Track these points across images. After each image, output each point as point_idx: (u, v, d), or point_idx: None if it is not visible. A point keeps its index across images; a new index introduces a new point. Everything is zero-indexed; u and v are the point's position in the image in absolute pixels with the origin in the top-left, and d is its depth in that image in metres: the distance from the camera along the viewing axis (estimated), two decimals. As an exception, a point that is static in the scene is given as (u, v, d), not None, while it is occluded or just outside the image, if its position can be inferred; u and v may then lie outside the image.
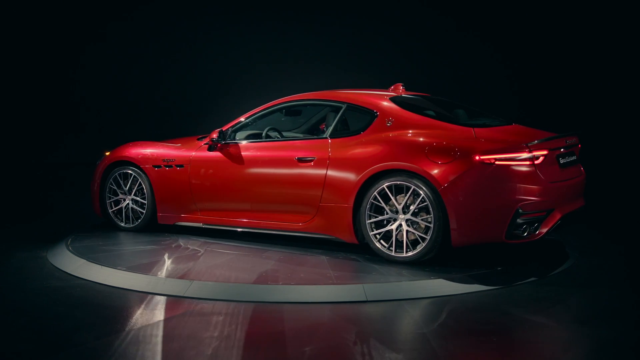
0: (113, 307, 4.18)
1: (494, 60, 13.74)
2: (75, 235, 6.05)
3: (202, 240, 5.85)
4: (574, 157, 5.32)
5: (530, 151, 4.76)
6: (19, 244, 5.97)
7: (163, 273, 4.80)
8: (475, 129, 5.04)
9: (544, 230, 4.86)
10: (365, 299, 4.29)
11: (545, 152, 4.85)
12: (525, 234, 4.80)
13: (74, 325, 3.86)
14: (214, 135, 5.77)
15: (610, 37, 13.23)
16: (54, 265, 5.23)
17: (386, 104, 5.35)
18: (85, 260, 5.09)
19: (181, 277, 4.63)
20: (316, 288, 4.41)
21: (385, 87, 6.11)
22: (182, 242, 5.79)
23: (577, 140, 5.36)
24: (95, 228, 6.44)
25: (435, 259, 4.98)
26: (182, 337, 3.64)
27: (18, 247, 5.84)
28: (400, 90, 5.86)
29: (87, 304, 4.26)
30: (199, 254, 5.34)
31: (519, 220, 4.72)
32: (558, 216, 4.90)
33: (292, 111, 6.18)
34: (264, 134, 5.94)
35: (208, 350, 3.47)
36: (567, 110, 13.43)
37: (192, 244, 5.70)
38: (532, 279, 4.79)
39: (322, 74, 13.24)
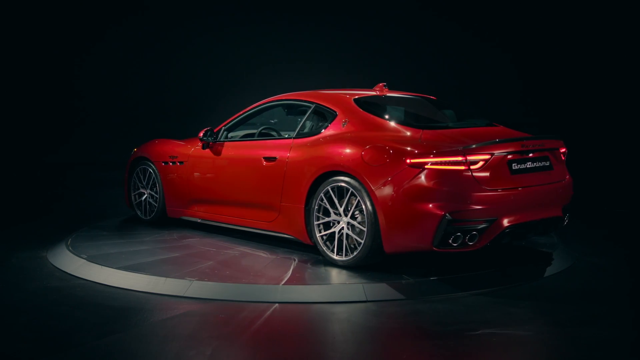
0: (113, 307, 4.18)
1: (499, 59, 13.74)
2: (75, 235, 6.06)
3: (188, 234, 6.08)
4: (545, 163, 4.86)
5: (464, 155, 4.42)
6: (19, 244, 5.97)
7: (86, 258, 5.08)
8: (425, 131, 4.80)
9: (486, 240, 4.46)
10: (365, 299, 4.29)
11: (486, 157, 4.45)
12: (456, 243, 4.41)
13: (74, 325, 3.86)
14: (200, 135, 5.99)
15: (623, 40, 13.24)
16: (54, 265, 5.23)
17: (347, 104, 5.26)
18: (85, 260, 5.09)
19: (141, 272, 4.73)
20: (316, 288, 4.41)
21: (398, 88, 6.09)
22: (152, 237, 5.95)
23: (549, 144, 4.90)
24: (95, 228, 6.45)
25: (435, 259, 4.98)
26: (182, 337, 3.64)
27: (18, 247, 5.84)
28: (383, 89, 5.84)
29: (87, 304, 4.26)
30: (146, 249, 5.44)
31: (450, 229, 4.35)
32: (504, 226, 4.47)
33: (295, 111, 6.22)
34: (257, 134, 6.07)
35: (208, 350, 3.47)
36: (568, 111, 13.44)
37: (161, 239, 5.86)
38: (532, 279, 4.79)
39: (323, 74, 13.26)
